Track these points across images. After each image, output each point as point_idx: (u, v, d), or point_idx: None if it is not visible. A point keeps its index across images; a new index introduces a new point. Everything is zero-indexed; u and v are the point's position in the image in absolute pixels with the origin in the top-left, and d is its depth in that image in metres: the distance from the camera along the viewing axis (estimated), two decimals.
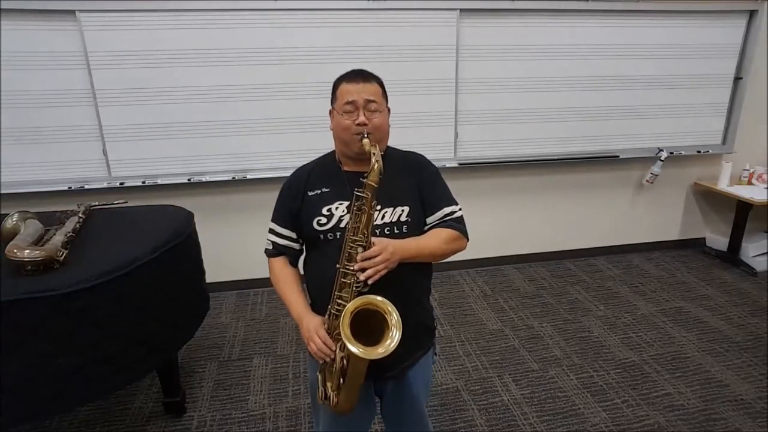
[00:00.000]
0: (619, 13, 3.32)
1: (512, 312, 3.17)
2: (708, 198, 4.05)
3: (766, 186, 3.75)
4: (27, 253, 1.63)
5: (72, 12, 2.71)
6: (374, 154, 1.20)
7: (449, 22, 3.12)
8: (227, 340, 2.92)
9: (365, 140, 1.25)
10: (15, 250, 1.63)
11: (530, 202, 3.76)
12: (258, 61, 2.97)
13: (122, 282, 1.70)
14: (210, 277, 2.38)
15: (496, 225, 3.75)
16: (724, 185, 3.77)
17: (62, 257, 1.69)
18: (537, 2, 3.18)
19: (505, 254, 3.84)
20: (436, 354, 1.54)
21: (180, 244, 1.98)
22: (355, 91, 1.28)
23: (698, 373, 2.53)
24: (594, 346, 2.78)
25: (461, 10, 3.11)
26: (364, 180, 1.20)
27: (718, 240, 4.01)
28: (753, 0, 3.45)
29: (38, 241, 1.79)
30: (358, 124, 1.27)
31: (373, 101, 1.29)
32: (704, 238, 4.13)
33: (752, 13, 3.50)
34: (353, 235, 1.21)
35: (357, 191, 1.20)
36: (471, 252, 3.65)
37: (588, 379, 2.50)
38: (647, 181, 3.78)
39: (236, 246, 3.32)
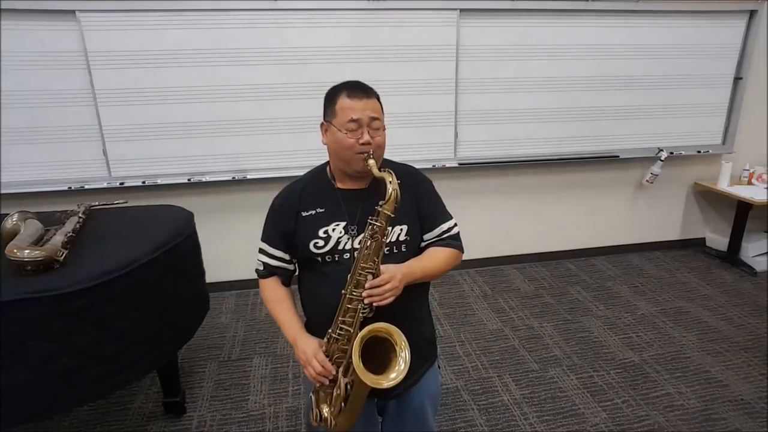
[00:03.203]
0: (620, 13, 3.32)
1: (512, 312, 3.17)
2: (708, 198, 4.05)
3: (766, 186, 3.74)
4: (27, 253, 1.63)
5: (72, 12, 2.71)
6: (390, 182, 1.17)
7: (449, 22, 3.12)
8: (227, 340, 2.92)
9: (371, 161, 1.21)
10: (15, 250, 1.63)
11: (530, 202, 3.76)
12: (258, 61, 2.97)
13: (122, 282, 1.69)
14: (210, 277, 2.38)
15: (496, 225, 3.75)
16: (724, 185, 3.77)
17: (62, 257, 1.69)
18: (537, 2, 3.18)
19: (505, 254, 3.84)
20: (439, 366, 1.51)
21: (180, 244, 1.98)
22: (359, 108, 1.22)
23: (698, 373, 2.53)
24: (594, 346, 2.78)
25: (461, 10, 3.11)
26: (379, 209, 1.18)
27: (718, 240, 4.01)
28: (753, 0, 3.45)
29: (38, 241, 1.78)
30: (363, 144, 1.22)
31: (377, 119, 1.24)
32: (704, 238, 4.13)
33: (752, 13, 3.50)
34: (363, 263, 1.19)
35: (371, 219, 1.18)
36: (471, 252, 3.65)
37: (588, 379, 2.50)
38: (647, 181, 3.78)
39: (236, 246, 3.32)
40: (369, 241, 1.18)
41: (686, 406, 2.31)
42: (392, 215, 1.18)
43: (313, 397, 1.31)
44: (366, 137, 1.22)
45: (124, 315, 1.73)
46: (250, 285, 3.47)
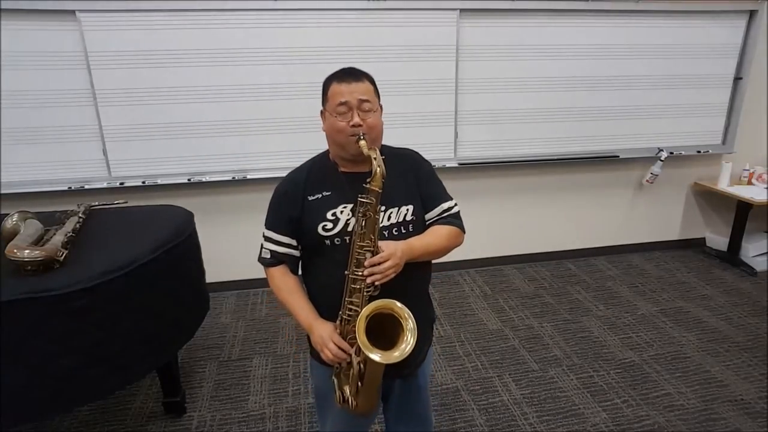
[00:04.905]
0: (619, 13, 3.32)
1: (512, 312, 3.16)
2: (708, 198, 4.05)
3: (766, 186, 3.74)
4: (27, 253, 1.63)
5: (72, 12, 2.71)
6: (375, 158, 1.19)
7: (449, 22, 3.12)
8: (227, 340, 2.92)
9: (362, 142, 1.23)
10: (15, 250, 1.63)
11: (530, 202, 3.76)
12: (258, 61, 2.97)
13: (122, 282, 1.70)
14: (210, 277, 2.38)
15: (496, 225, 3.75)
16: (724, 185, 3.77)
17: (62, 257, 1.69)
18: (537, 2, 3.18)
19: (505, 254, 3.84)
20: (432, 343, 1.55)
21: (180, 244, 1.98)
22: (347, 92, 1.25)
23: (698, 373, 2.53)
24: (594, 346, 2.78)
25: (461, 10, 3.11)
26: (367, 186, 1.19)
27: (718, 240, 4.01)
28: (753, 0, 3.45)
29: (38, 241, 1.78)
30: (353, 126, 1.24)
31: (367, 101, 1.26)
32: (704, 238, 4.13)
33: (752, 13, 3.50)
34: (360, 241, 1.21)
35: (361, 197, 1.19)
36: (471, 252, 3.71)
37: (588, 379, 2.50)
38: (647, 181, 3.78)
39: (236, 246, 3.32)
40: (362, 219, 1.20)
41: (686, 406, 2.31)
42: (380, 191, 1.19)
43: (335, 381, 1.34)
44: (356, 119, 1.24)
45: (124, 315, 1.73)
46: (250, 285, 3.48)
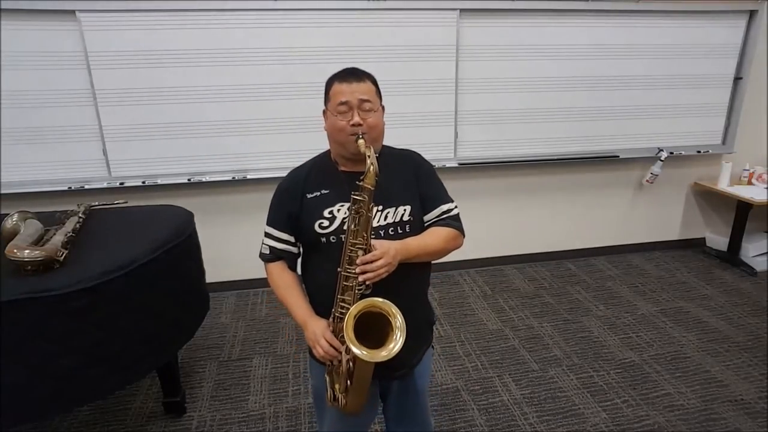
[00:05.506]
0: (619, 13, 3.32)
1: (512, 312, 3.17)
2: (708, 198, 4.05)
3: (766, 186, 3.74)
4: (27, 253, 1.63)
5: (72, 12, 2.71)
6: (369, 156, 1.20)
7: (449, 22, 3.12)
8: (227, 340, 2.92)
9: (360, 141, 1.23)
10: (15, 250, 1.63)
11: (530, 202, 3.76)
12: (258, 61, 2.97)
13: (122, 282, 1.70)
14: (210, 277, 2.38)
15: (496, 225, 3.75)
16: (724, 185, 3.77)
17: (62, 257, 1.69)
18: (537, 2, 3.18)
19: (505, 254, 3.84)
20: (432, 347, 1.55)
21: (180, 244, 1.98)
22: (348, 91, 1.26)
23: (698, 373, 2.53)
24: (594, 346, 2.78)
25: (461, 10, 3.11)
26: (360, 183, 1.19)
27: (718, 240, 4.01)
28: (753, 0, 3.45)
29: (38, 241, 1.79)
30: (353, 125, 1.25)
31: (368, 100, 1.27)
32: (704, 238, 4.13)
33: (752, 13, 3.50)
34: (353, 239, 1.21)
35: (354, 194, 1.20)
36: (471, 252, 3.71)
37: (588, 379, 2.50)
38: (647, 181, 3.78)
39: (236, 246, 3.32)
40: (355, 216, 1.20)
41: (686, 406, 2.31)
42: (372, 188, 1.19)
43: (327, 379, 1.34)
44: (356, 118, 1.25)
45: (124, 315, 1.73)
46: (250, 285, 3.48)
